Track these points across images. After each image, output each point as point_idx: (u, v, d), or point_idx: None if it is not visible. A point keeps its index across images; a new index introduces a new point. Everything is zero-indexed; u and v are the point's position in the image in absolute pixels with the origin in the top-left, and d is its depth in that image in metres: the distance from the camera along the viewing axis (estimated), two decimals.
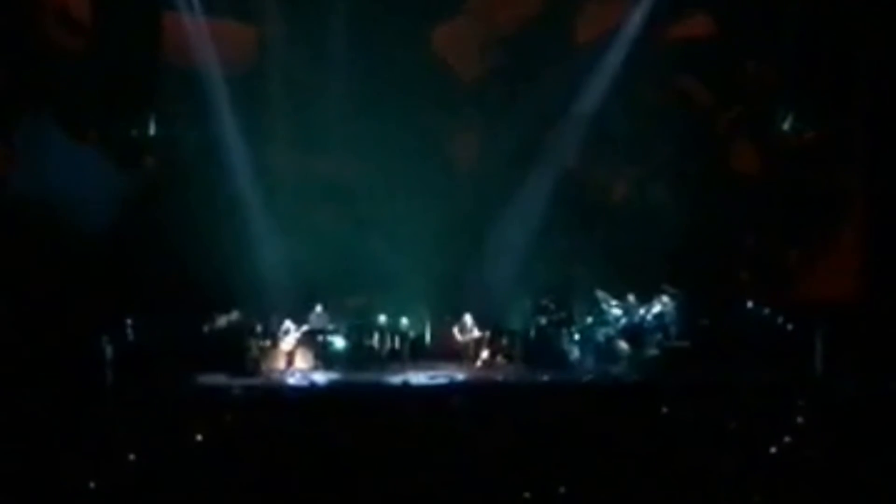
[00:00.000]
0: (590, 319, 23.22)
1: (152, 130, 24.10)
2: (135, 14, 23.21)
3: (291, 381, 22.29)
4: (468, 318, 23.34)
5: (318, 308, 23.31)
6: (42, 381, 19.51)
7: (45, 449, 15.98)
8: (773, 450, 16.19)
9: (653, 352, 22.51)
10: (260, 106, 24.27)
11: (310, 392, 21.61)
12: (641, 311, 22.98)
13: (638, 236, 23.60)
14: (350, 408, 18.84)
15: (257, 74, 24.28)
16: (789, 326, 22.42)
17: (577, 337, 23.08)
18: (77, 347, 21.23)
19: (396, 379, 21.79)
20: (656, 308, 22.91)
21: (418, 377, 21.84)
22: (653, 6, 24.00)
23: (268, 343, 22.85)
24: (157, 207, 23.32)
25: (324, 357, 23.10)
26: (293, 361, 22.89)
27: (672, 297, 22.87)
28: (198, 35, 23.87)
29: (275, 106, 24.40)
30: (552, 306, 23.43)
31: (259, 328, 23.07)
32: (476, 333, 23.26)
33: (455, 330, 23.42)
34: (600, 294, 23.25)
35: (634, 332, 22.76)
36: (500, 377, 22.50)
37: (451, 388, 21.29)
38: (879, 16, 22.80)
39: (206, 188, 23.73)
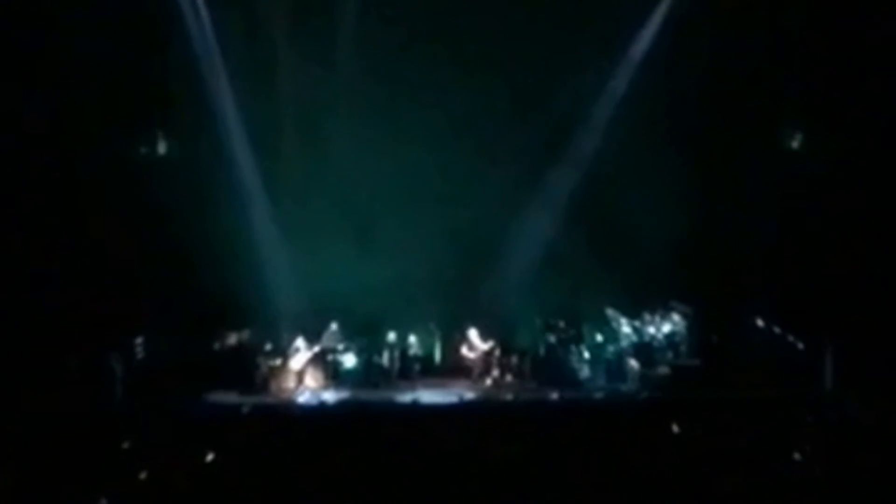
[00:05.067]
0: (600, 337, 23.17)
1: (162, 148, 24.22)
2: (145, 30, 23.29)
3: (301, 399, 22.28)
4: (474, 333, 23.32)
5: (334, 326, 23.31)
6: (53, 399, 19.57)
7: (57, 466, 16.01)
8: (782, 467, 16.17)
9: (663, 370, 22.45)
10: (270, 124, 24.35)
11: (319, 410, 21.62)
12: (651, 328, 22.96)
13: (648, 253, 23.57)
14: (360, 426, 18.83)
15: (268, 91, 24.33)
16: (799, 344, 22.40)
17: (586, 355, 23.02)
18: (88, 365, 21.31)
19: (406, 397, 21.78)
20: (666, 326, 22.90)
21: (428, 395, 21.83)
22: (659, 29, 24.19)
23: (278, 361, 22.84)
24: (166, 225, 23.34)
25: (334, 375, 23.09)
26: (303, 380, 22.87)
27: (682, 314, 22.86)
28: (207, 51, 24.00)
29: (285, 124, 24.47)
30: (562, 324, 23.42)
31: (269, 346, 23.08)
32: (483, 346, 23.22)
33: (464, 348, 23.40)
34: (610, 312, 23.25)
35: (644, 350, 22.73)
36: (509, 395, 22.48)
37: (461, 406, 21.28)
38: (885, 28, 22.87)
39: (216, 205, 23.78)
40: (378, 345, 23.46)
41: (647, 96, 24.00)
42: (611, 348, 22.95)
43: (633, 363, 22.62)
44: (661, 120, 23.82)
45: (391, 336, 23.49)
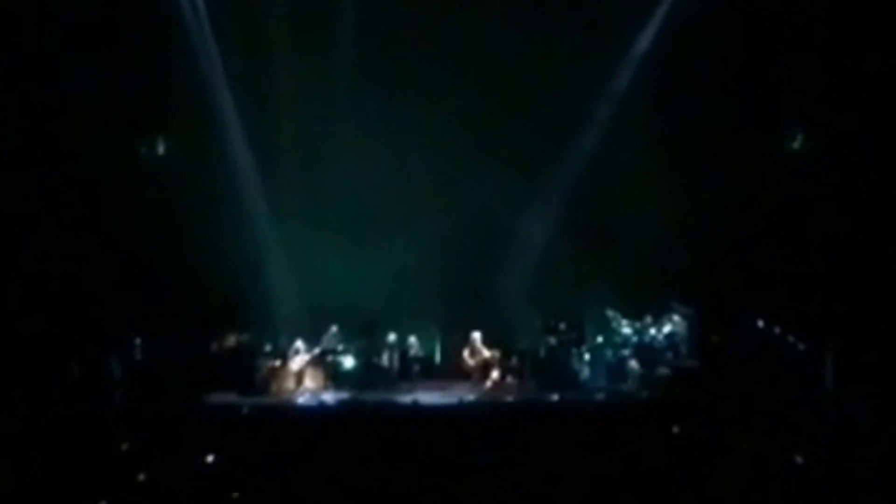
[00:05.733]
0: (600, 339, 23.17)
1: (161, 149, 24.19)
2: (146, 32, 23.30)
3: (301, 400, 22.26)
4: (477, 337, 23.30)
5: (334, 328, 23.30)
6: (52, 400, 19.55)
7: (56, 468, 15.98)
8: (782, 468, 16.15)
9: (663, 370, 22.43)
10: (270, 125, 24.35)
11: (319, 412, 21.60)
12: (652, 330, 22.94)
13: (648, 254, 23.57)
14: (359, 427, 18.82)
15: (268, 93, 24.32)
16: (799, 345, 22.37)
17: (587, 356, 23.01)
18: (87, 366, 21.29)
19: (406, 399, 21.75)
20: (667, 327, 22.87)
21: (428, 397, 21.80)
22: (659, 28, 24.21)
23: (277, 362, 22.84)
24: (165, 226, 23.33)
25: (333, 376, 23.08)
26: (303, 381, 22.86)
27: (682, 315, 22.85)
28: (208, 55, 23.99)
29: (285, 125, 24.47)
30: (562, 326, 23.39)
31: (269, 347, 23.08)
32: (486, 353, 23.22)
33: (465, 352, 23.38)
34: (610, 313, 23.23)
35: (645, 352, 22.72)
36: (510, 397, 22.45)
37: (461, 408, 21.26)
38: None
39: (216, 206, 23.77)
40: (378, 346, 23.44)
41: (648, 96, 24.03)
42: (611, 350, 22.94)
43: (634, 364, 22.59)
44: (663, 120, 23.82)
45: (391, 337, 23.46)
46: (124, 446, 17.13)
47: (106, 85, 23.10)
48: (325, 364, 23.07)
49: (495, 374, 23.11)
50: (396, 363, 23.40)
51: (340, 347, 23.23)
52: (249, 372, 22.53)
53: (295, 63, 24.30)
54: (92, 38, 22.98)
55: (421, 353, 23.74)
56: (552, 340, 23.38)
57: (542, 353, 23.51)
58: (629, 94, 24.28)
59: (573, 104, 24.37)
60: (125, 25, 23.14)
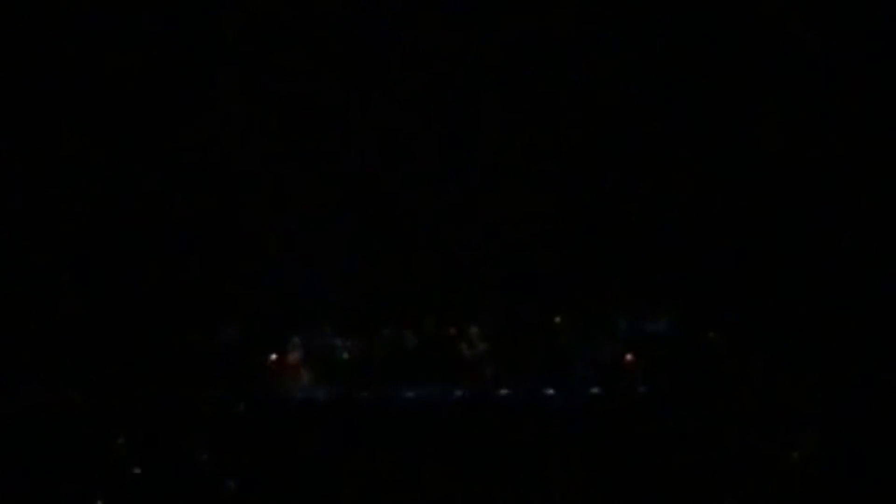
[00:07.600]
0: (597, 334, 23.15)
1: (155, 143, 24.17)
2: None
3: (296, 395, 22.25)
4: (474, 331, 23.30)
5: (329, 321, 23.29)
6: (43, 395, 19.54)
7: (49, 463, 15.96)
8: (782, 467, 16.16)
9: (660, 367, 22.44)
10: (271, 111, 24.31)
11: (314, 407, 21.59)
12: (649, 325, 22.96)
13: (648, 249, 23.59)
14: (354, 422, 18.83)
15: (267, 80, 24.30)
16: (800, 343, 22.37)
17: (584, 352, 23.01)
18: (83, 360, 21.29)
19: (401, 393, 21.74)
20: (665, 323, 22.92)
21: (423, 392, 21.79)
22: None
23: (273, 357, 22.83)
24: (159, 219, 23.32)
25: (329, 371, 23.08)
26: (298, 376, 22.85)
27: (681, 311, 22.87)
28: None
29: (286, 111, 24.44)
30: (559, 320, 23.40)
31: (264, 342, 23.05)
32: (482, 347, 23.22)
33: (461, 345, 23.37)
34: (608, 308, 23.22)
35: (642, 347, 22.73)
36: (505, 392, 22.45)
37: (456, 402, 21.25)
38: None
39: (210, 197, 23.76)
40: (373, 340, 23.45)
41: (650, 89, 24.07)
42: (608, 345, 22.94)
43: (631, 360, 22.61)
44: (665, 114, 23.83)
45: (386, 331, 23.48)
46: (120, 441, 17.13)
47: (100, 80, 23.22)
48: (320, 359, 23.08)
49: (491, 369, 23.15)
50: (391, 357, 23.43)
51: (336, 342, 23.25)
52: (245, 367, 22.54)
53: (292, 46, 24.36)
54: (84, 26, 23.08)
55: (416, 347, 23.75)
56: (549, 335, 23.39)
57: (539, 347, 23.52)
58: (632, 90, 24.35)
59: (575, 101, 24.43)
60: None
